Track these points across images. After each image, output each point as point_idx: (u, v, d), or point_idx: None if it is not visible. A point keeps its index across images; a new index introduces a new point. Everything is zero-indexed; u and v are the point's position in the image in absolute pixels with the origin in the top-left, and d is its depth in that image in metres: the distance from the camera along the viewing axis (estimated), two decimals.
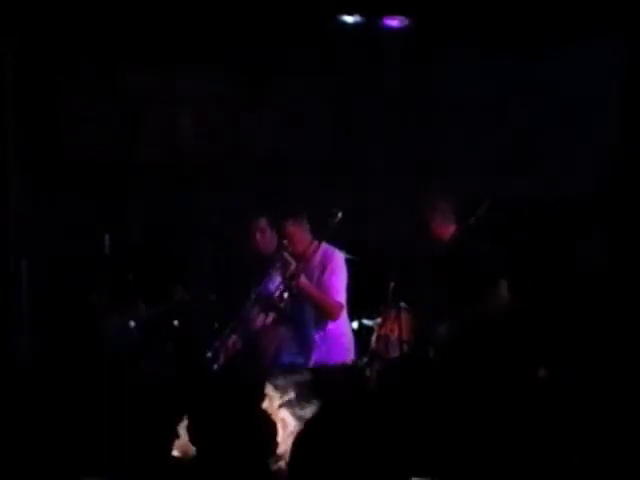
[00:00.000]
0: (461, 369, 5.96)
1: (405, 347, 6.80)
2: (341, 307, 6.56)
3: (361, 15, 8.17)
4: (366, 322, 7.31)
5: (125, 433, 4.10)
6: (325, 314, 6.55)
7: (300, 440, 3.74)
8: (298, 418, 5.08)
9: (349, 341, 6.72)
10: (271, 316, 6.61)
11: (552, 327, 6.74)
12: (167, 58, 8.32)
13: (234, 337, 6.71)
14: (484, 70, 8.20)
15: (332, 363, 6.56)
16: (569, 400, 5.28)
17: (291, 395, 5.36)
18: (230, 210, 7.63)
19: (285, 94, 8.50)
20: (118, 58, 8.32)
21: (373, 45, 8.30)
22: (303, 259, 6.49)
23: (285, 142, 8.54)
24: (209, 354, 6.59)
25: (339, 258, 6.61)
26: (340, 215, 6.42)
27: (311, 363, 6.52)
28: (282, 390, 5.37)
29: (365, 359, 6.97)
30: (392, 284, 6.94)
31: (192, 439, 4.28)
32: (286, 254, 6.52)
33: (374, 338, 7.10)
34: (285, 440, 4.28)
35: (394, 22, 8.22)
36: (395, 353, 6.88)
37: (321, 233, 6.52)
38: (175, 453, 4.51)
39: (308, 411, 5.14)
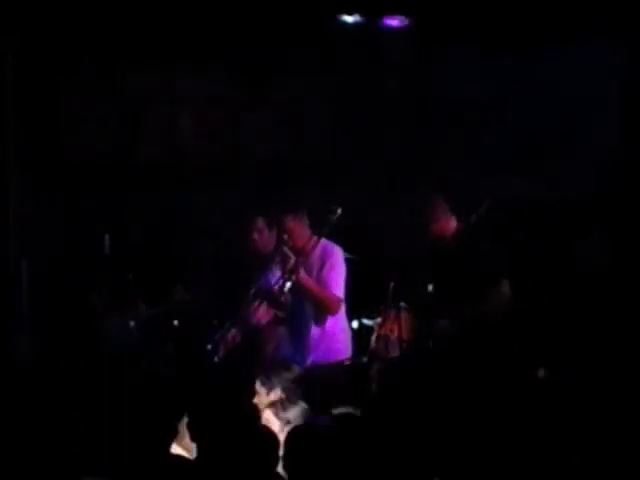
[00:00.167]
0: (461, 369, 5.96)
1: (405, 347, 6.80)
2: (340, 301, 6.58)
3: (361, 15, 8.18)
4: (366, 322, 7.33)
5: (125, 433, 4.10)
6: (324, 308, 6.57)
7: (300, 440, 3.76)
8: (281, 419, 5.10)
9: (347, 337, 6.73)
10: (271, 310, 6.64)
11: (552, 327, 6.75)
12: (167, 58, 8.31)
13: (234, 331, 6.75)
14: (484, 70, 8.20)
15: (331, 360, 6.58)
16: (569, 400, 5.27)
17: (278, 393, 5.38)
18: (230, 210, 7.63)
19: (285, 94, 8.49)
20: (118, 58, 8.31)
21: (373, 45, 8.30)
22: (302, 254, 6.52)
23: (285, 142, 8.54)
24: (209, 347, 6.63)
25: (338, 254, 6.63)
26: (340, 211, 6.45)
27: (309, 360, 6.54)
28: (269, 387, 5.39)
29: (365, 359, 6.98)
30: (392, 284, 6.95)
31: (193, 437, 4.29)
32: (286, 248, 6.55)
33: (374, 338, 7.12)
34: None
35: (394, 22, 8.23)
36: (395, 353, 6.88)
37: (321, 229, 6.55)
38: (178, 451, 4.52)
39: (291, 413, 5.16)
